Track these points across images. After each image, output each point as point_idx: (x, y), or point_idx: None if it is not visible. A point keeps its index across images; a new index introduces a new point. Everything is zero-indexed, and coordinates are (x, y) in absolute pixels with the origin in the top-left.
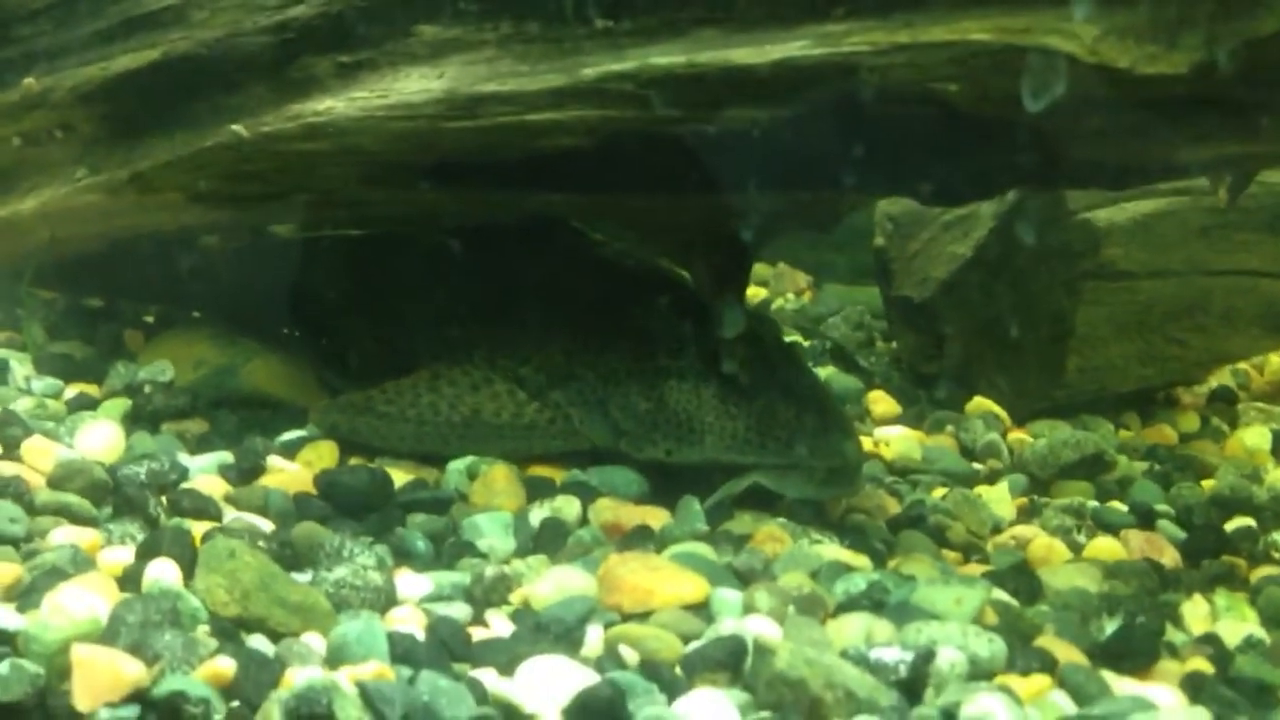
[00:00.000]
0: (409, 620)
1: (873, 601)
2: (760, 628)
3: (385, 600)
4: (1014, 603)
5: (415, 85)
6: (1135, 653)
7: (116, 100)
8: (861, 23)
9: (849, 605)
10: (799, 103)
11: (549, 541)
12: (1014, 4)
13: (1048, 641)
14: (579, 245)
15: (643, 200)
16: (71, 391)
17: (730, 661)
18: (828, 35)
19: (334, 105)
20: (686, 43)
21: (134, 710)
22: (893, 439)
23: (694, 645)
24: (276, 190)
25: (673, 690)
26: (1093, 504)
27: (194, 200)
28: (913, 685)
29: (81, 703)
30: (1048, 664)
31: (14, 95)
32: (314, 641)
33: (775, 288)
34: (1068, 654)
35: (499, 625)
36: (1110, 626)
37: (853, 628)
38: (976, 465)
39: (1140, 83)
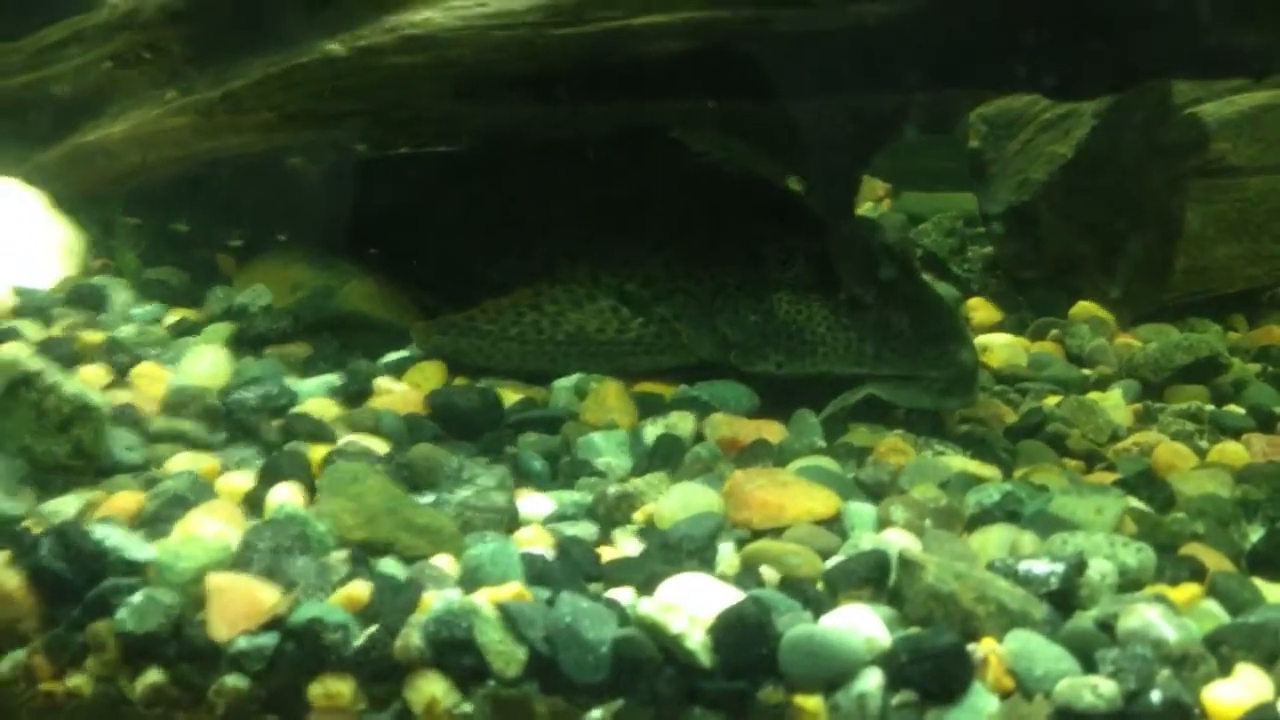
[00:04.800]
0: (536, 541)
1: (1007, 512)
2: (899, 541)
3: (510, 521)
4: (1150, 511)
5: None
6: None
7: (206, 18)
8: None
9: (984, 517)
10: None
11: (666, 458)
12: None
13: (1194, 549)
14: (679, 156)
15: (751, 106)
16: (171, 317)
17: (874, 576)
18: None
19: (432, 15)
20: None
21: (272, 638)
22: (996, 346)
23: (833, 561)
24: (369, 107)
25: (818, 607)
26: (1209, 408)
27: (286, 120)
28: (1065, 597)
29: (219, 632)
30: (1197, 572)
31: (100, 16)
32: (445, 564)
33: None
34: (1216, 561)
35: (626, 544)
36: (1251, 531)
37: (995, 540)
38: (1085, 371)
39: None
